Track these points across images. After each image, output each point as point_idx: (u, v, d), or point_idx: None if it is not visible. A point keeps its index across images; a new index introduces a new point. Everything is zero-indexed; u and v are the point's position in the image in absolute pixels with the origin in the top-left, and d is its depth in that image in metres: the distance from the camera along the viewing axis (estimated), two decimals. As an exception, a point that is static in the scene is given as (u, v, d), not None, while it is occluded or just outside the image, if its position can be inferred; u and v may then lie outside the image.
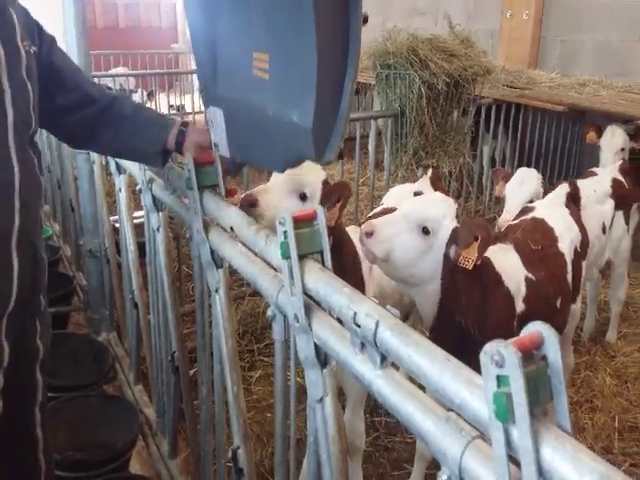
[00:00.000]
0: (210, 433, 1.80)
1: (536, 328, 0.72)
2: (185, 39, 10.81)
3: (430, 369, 0.81)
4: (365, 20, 3.26)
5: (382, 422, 2.86)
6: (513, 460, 0.70)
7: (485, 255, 1.86)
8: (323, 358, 1.09)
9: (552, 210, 2.67)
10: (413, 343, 0.85)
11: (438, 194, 2.01)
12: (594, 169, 3.67)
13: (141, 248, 2.41)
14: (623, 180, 3.48)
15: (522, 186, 3.04)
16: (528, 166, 5.28)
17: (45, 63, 1.49)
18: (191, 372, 2.15)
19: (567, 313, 2.44)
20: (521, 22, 5.87)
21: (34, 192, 1.41)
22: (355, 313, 0.94)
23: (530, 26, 5.84)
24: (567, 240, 2.52)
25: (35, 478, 1.62)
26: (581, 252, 2.61)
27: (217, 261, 1.52)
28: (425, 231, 1.76)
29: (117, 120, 1.63)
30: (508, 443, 0.68)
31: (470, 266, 1.72)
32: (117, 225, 2.74)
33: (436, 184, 2.82)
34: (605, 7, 5.29)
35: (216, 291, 1.52)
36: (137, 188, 2.03)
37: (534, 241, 2.37)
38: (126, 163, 2.19)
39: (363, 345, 0.96)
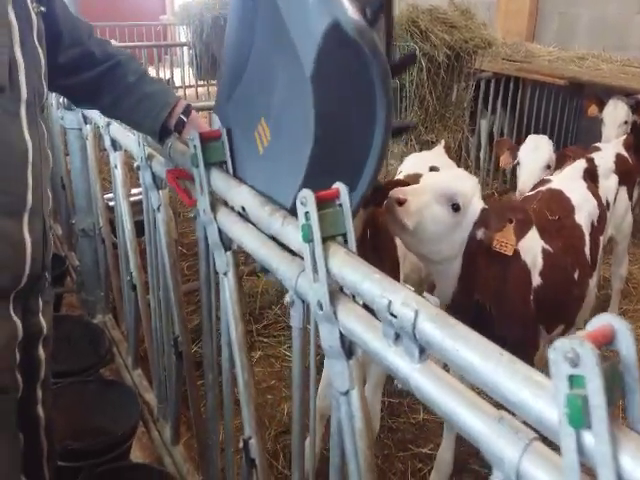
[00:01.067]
0: (217, 421, 1.74)
1: (607, 320, 0.65)
2: (173, 10, 10.52)
3: (482, 365, 0.73)
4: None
5: (386, 402, 2.82)
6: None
7: None
8: (348, 348, 1.02)
9: (569, 182, 2.62)
10: (460, 336, 0.77)
11: (462, 170, 1.93)
12: (597, 144, 3.61)
13: (137, 227, 2.32)
14: (627, 155, 3.43)
15: (536, 152, 2.99)
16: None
17: (49, 21, 1.39)
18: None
19: (586, 286, 2.38)
20: (519, -6, 5.75)
21: (45, 167, 1.36)
22: (390, 302, 0.86)
23: (528, -2, 5.73)
24: (585, 212, 2.47)
25: (37, 458, 1.57)
26: (598, 226, 2.56)
27: (225, 243, 1.43)
28: (455, 207, 1.67)
29: (118, 87, 1.54)
30: (579, 449, 0.61)
31: (510, 251, 1.64)
32: (111, 203, 2.64)
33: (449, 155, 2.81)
34: (604, -22, 5.19)
35: (225, 274, 1.44)
36: (135, 165, 1.92)
37: (551, 211, 2.32)
38: (123, 140, 2.08)
39: (397, 336, 0.88)
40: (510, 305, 1.86)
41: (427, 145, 4.02)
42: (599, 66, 4.83)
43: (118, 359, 2.75)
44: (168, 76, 8.23)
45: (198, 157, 1.39)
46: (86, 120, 2.65)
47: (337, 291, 1.02)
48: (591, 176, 2.77)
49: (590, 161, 2.85)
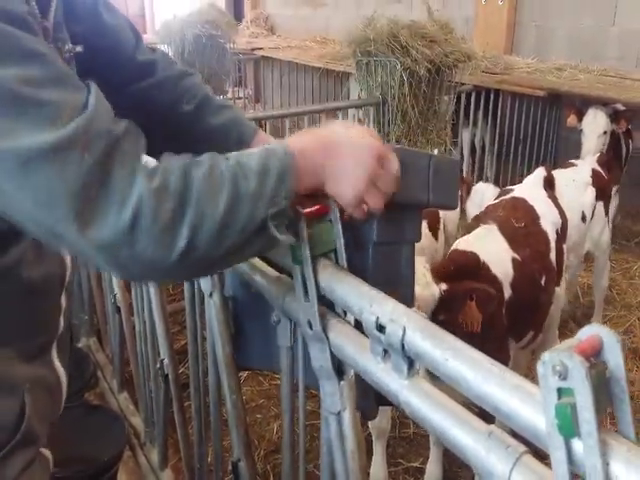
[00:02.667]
0: (205, 445, 1.71)
1: (595, 331, 0.64)
2: (154, 29, 10.54)
3: (472, 375, 0.72)
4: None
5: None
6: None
7: (471, 250, 1.80)
8: (338, 367, 1.00)
9: (531, 191, 2.67)
10: (450, 347, 0.77)
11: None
12: (572, 160, 3.65)
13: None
14: (602, 171, 3.46)
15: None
16: (507, 151, 5.33)
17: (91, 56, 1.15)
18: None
19: (552, 292, 2.42)
20: (496, 8, 5.82)
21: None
22: (377, 317, 0.85)
23: (505, 12, 5.80)
24: (549, 220, 2.51)
25: None
26: (561, 235, 2.59)
27: (210, 262, 1.42)
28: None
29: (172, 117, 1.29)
30: (569, 457, 0.61)
31: (478, 328, 1.61)
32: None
33: None
34: (578, -8, 5.29)
35: (210, 295, 1.42)
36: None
37: (517, 219, 2.35)
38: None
39: (386, 352, 0.87)
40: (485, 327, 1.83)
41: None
42: (577, 76, 4.90)
43: (103, 383, 2.71)
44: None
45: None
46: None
47: (327, 310, 1.00)
48: (550, 185, 2.81)
49: (547, 169, 2.90)
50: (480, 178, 5.18)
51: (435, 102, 4.14)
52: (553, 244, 2.45)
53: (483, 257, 2.02)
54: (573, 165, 3.50)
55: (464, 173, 5.25)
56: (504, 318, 2.02)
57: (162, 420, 2.03)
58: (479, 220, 2.37)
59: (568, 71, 5.05)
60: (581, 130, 3.99)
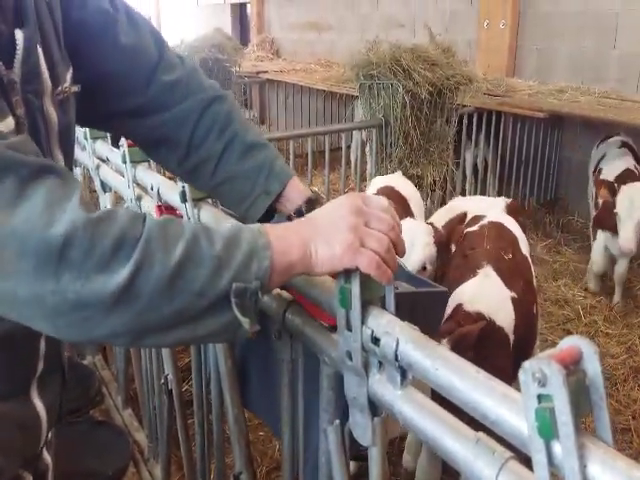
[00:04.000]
0: (207, 461, 1.73)
1: (574, 342, 0.68)
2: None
3: (461, 383, 0.76)
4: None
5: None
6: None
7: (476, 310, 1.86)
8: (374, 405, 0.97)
9: (503, 216, 2.69)
10: (439, 356, 0.80)
11: None
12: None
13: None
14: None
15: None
16: (509, 172, 5.38)
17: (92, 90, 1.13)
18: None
19: (538, 315, 2.45)
20: (498, 32, 5.92)
21: None
22: (373, 331, 0.89)
23: (507, 35, 5.90)
24: (524, 243, 2.53)
25: None
26: (531, 258, 2.62)
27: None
28: None
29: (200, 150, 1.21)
30: (550, 460, 0.64)
31: None
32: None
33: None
34: (579, 15, 5.37)
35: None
36: (125, 206, 1.95)
37: (504, 250, 2.33)
38: (113, 181, 2.12)
39: (381, 364, 0.91)
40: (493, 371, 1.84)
41: (413, 179, 4.10)
42: (577, 98, 4.97)
43: (108, 399, 2.74)
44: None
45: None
46: (75, 163, 2.69)
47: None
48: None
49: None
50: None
51: (437, 124, 4.21)
52: (532, 267, 2.46)
53: (488, 312, 1.97)
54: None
55: (467, 192, 5.31)
56: (511, 367, 1.92)
57: (165, 436, 2.05)
58: (469, 259, 2.30)
59: (569, 93, 5.11)
60: (616, 213, 3.58)
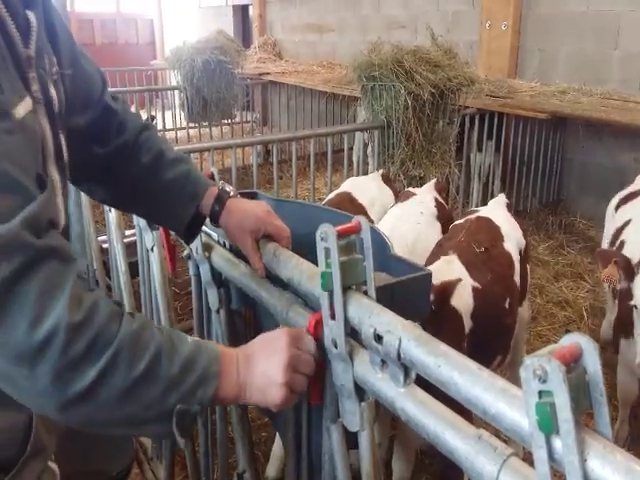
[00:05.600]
0: (211, 461, 1.74)
1: (575, 339, 0.69)
2: (164, 55, 10.76)
3: (462, 379, 0.77)
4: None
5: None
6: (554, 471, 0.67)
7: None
8: (359, 387, 1.00)
9: (496, 212, 2.69)
10: (442, 353, 0.81)
11: None
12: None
13: (130, 269, 2.35)
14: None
15: None
16: (512, 173, 5.39)
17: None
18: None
19: (517, 313, 2.42)
20: (500, 33, 5.93)
21: None
22: (375, 329, 0.90)
23: (509, 36, 5.90)
24: (513, 240, 2.51)
25: None
26: (525, 255, 2.61)
27: (217, 280, 1.47)
28: None
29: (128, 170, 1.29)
30: (551, 455, 0.65)
31: None
32: (104, 245, 2.67)
33: (387, 181, 3.37)
34: (581, 16, 5.37)
35: (217, 311, 1.48)
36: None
37: (478, 242, 2.34)
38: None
39: (383, 362, 0.92)
40: None
41: (415, 180, 4.11)
42: (579, 99, 4.97)
43: (112, 400, 2.75)
44: (152, 114, 8.33)
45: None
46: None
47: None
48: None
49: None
50: (485, 203, 5.22)
51: (439, 125, 4.22)
52: (517, 265, 2.43)
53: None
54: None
55: (469, 195, 5.32)
56: (465, 350, 1.98)
57: (170, 436, 2.06)
58: (441, 248, 2.34)
59: (571, 94, 5.12)
60: (634, 306, 2.22)
